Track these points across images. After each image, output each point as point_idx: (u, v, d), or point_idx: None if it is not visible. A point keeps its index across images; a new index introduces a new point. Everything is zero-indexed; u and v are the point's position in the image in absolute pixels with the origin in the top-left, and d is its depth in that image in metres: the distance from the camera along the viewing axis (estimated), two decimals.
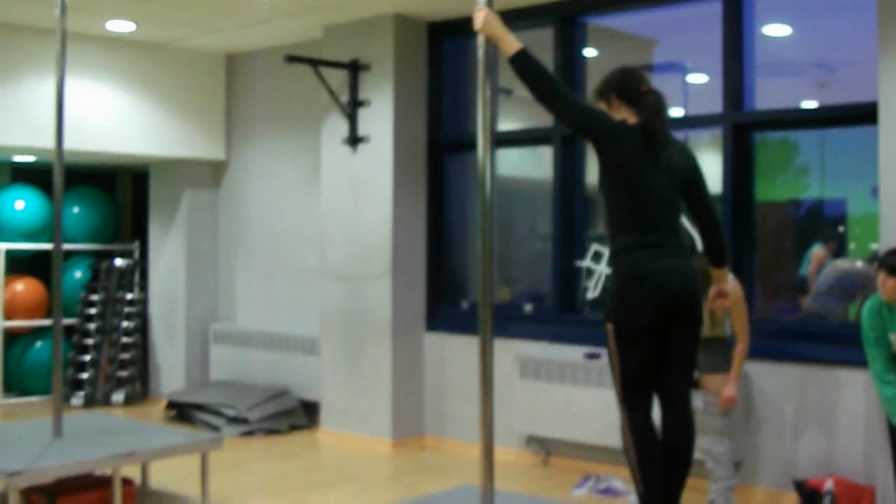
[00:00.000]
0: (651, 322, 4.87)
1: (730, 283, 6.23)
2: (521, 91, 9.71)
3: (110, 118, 10.29)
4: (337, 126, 9.51)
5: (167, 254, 11.54)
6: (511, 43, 4.69)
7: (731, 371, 6.52)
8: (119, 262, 11.55)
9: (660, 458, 5.04)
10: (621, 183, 4.97)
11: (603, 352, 7.95)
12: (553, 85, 4.85)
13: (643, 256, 4.90)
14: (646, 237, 4.91)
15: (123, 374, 11.36)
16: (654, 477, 5.01)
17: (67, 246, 11.24)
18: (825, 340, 7.26)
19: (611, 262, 5.03)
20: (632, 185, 4.93)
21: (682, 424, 5.00)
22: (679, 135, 8.88)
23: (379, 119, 9.20)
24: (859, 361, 6.48)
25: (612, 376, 5.04)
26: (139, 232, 12.38)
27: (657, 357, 4.94)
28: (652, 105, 5.10)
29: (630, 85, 5.14)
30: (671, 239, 4.97)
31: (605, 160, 5.01)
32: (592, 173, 8.86)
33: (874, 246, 7.51)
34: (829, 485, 6.65)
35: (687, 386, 5.02)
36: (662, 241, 4.92)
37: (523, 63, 4.76)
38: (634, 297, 4.89)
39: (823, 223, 8.25)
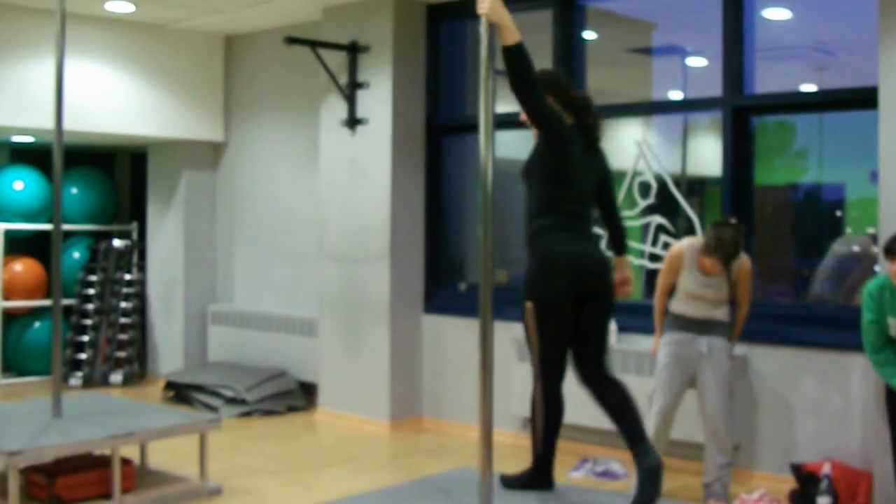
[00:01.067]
0: (566, 298, 5.05)
1: (741, 258, 6.58)
2: None
3: (109, 99, 10.29)
4: (336, 108, 9.50)
5: (165, 235, 11.54)
6: (514, 32, 4.75)
7: (732, 336, 6.82)
8: (117, 242, 11.55)
9: (561, 425, 5.40)
10: (555, 175, 5.15)
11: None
12: (535, 79, 4.96)
13: (559, 238, 5.11)
14: (562, 221, 5.13)
15: (122, 354, 11.37)
16: (554, 440, 5.43)
17: (66, 227, 11.16)
18: (823, 324, 7.28)
19: (528, 245, 5.21)
20: (562, 178, 5.14)
21: (611, 383, 5.18)
22: (678, 118, 8.91)
23: (378, 101, 9.20)
24: (858, 346, 6.50)
25: (529, 352, 5.19)
26: (137, 213, 12.38)
27: (571, 332, 5.13)
28: (589, 107, 5.35)
29: (562, 88, 5.31)
30: (585, 226, 5.24)
31: (552, 155, 5.16)
32: None
33: (870, 230, 7.52)
34: (826, 469, 6.66)
35: (602, 358, 5.20)
36: (577, 227, 5.16)
37: (519, 54, 4.83)
38: (551, 276, 5.09)
39: (821, 207, 8.26)
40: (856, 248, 7.92)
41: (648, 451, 4.92)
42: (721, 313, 6.70)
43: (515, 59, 4.81)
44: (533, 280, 5.12)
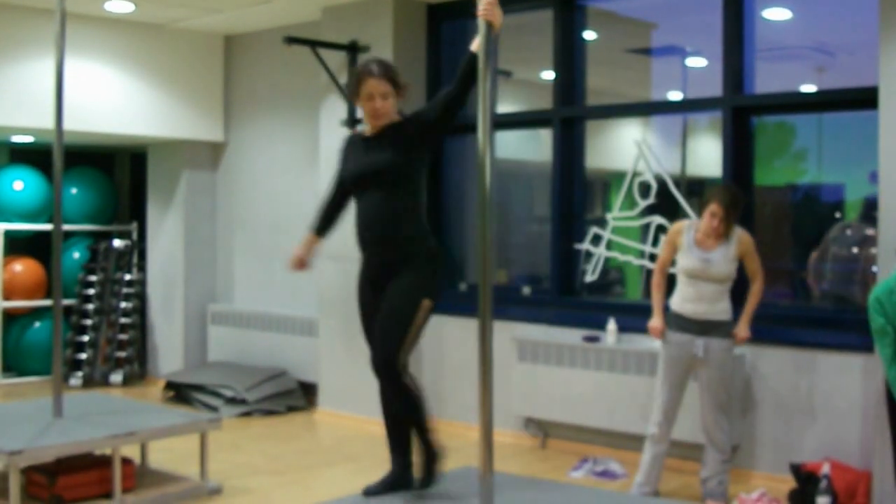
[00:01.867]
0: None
1: (738, 233, 6.64)
2: (521, 73, 9.75)
3: (109, 99, 10.29)
4: (335, 108, 9.50)
5: (165, 235, 11.54)
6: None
7: (746, 311, 6.80)
8: (117, 242, 11.56)
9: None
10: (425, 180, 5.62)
11: (601, 335, 8.03)
12: None
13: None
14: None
15: (122, 354, 11.38)
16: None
17: (66, 227, 11.13)
18: (823, 325, 7.29)
19: (426, 242, 5.41)
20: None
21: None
22: (678, 118, 8.90)
23: None
24: (857, 346, 6.49)
25: (401, 346, 5.29)
26: (137, 213, 12.38)
27: None
28: None
29: None
30: None
31: (431, 156, 5.66)
32: (592, 156, 8.87)
33: (870, 231, 7.52)
34: (825, 469, 6.64)
35: None
36: None
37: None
38: (443, 275, 5.55)
39: (821, 208, 8.25)
40: (849, 232, 7.91)
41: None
42: (722, 310, 6.67)
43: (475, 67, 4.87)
44: (432, 278, 5.35)
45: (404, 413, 5.51)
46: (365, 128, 5.58)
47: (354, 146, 5.60)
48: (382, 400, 5.62)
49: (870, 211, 7.53)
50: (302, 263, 6.01)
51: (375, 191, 5.38)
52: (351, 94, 5.60)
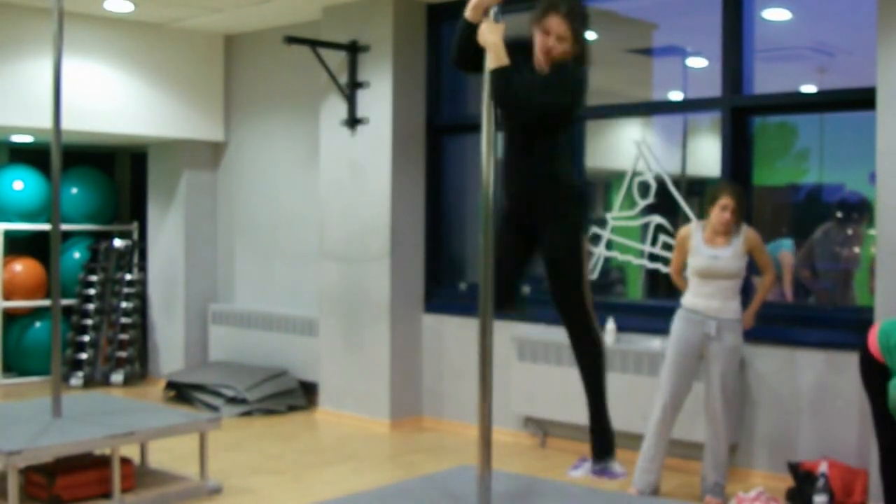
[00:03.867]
0: None
1: (744, 229, 6.71)
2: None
3: (108, 99, 10.28)
4: (336, 108, 9.50)
5: (166, 235, 11.53)
6: (499, 56, 4.63)
7: (755, 300, 6.94)
8: (118, 242, 11.55)
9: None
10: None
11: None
12: (520, 94, 4.70)
13: None
14: None
15: (122, 354, 11.36)
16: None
17: (66, 227, 11.16)
18: (820, 324, 7.29)
19: (563, 179, 4.98)
20: None
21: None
22: (678, 118, 8.90)
23: (378, 101, 9.19)
24: (854, 345, 6.50)
25: (584, 286, 5.04)
26: (138, 213, 12.36)
27: None
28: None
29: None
30: None
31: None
32: (592, 156, 8.86)
33: (871, 231, 7.52)
34: (823, 467, 6.68)
35: None
36: None
37: (498, 78, 4.64)
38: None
39: (822, 208, 8.26)
40: (832, 233, 7.93)
41: None
42: (733, 308, 6.70)
43: (493, 84, 4.63)
44: (584, 207, 5.17)
45: (598, 360, 5.10)
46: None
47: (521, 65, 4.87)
48: (580, 356, 5.15)
49: (850, 212, 7.57)
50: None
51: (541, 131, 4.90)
52: (533, 21, 4.92)
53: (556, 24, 4.78)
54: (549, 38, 4.80)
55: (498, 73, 4.60)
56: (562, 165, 4.94)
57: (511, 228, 5.08)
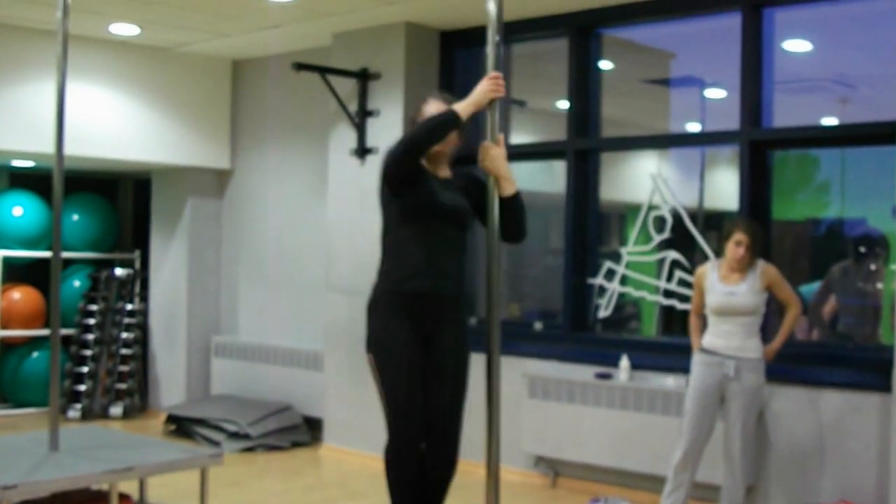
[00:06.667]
0: None
1: (761, 265, 6.61)
2: (535, 103, 9.63)
3: (112, 123, 10.17)
4: (345, 136, 9.37)
5: (169, 264, 11.41)
6: (513, 182, 5.01)
7: (780, 333, 6.79)
8: (119, 271, 11.42)
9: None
10: None
11: (614, 371, 7.86)
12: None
13: None
14: None
15: (122, 386, 11.21)
16: None
17: (66, 254, 11.08)
18: (840, 363, 7.16)
19: (459, 295, 5.50)
20: None
21: None
22: (695, 150, 8.77)
23: (388, 130, 9.04)
24: (874, 385, 6.36)
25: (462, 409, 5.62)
26: (140, 241, 12.25)
27: None
28: None
29: None
30: None
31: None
32: (606, 189, 8.73)
33: (894, 266, 7.41)
34: None
35: None
36: None
37: (521, 201, 5.17)
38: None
39: (843, 243, 8.12)
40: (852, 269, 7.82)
41: None
42: (753, 347, 6.56)
43: (521, 204, 5.10)
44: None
45: (451, 478, 5.49)
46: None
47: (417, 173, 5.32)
48: (437, 468, 5.51)
49: (872, 247, 7.49)
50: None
51: (453, 229, 5.36)
52: (412, 120, 5.50)
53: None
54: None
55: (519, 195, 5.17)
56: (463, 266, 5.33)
57: (407, 330, 5.24)
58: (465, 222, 5.38)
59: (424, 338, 5.27)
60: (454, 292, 5.30)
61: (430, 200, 5.23)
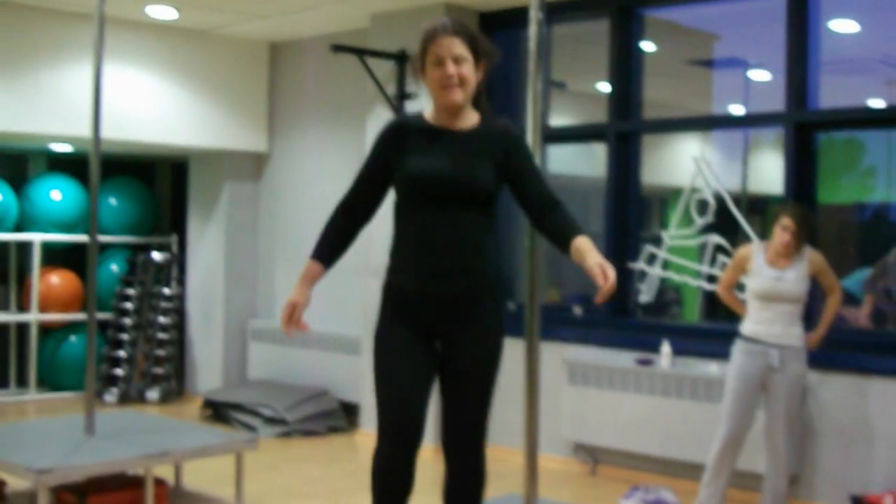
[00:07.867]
0: None
1: (808, 252, 6.44)
2: (575, 85, 9.52)
3: (149, 107, 10.13)
4: (383, 118, 9.28)
5: (206, 248, 11.39)
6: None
7: (823, 320, 6.66)
8: (156, 255, 11.39)
9: None
10: None
11: (655, 357, 7.76)
12: None
13: None
14: None
15: (159, 371, 11.20)
16: None
17: (103, 238, 11.14)
18: (886, 350, 7.05)
19: (485, 278, 4.38)
20: None
21: None
22: (739, 133, 8.67)
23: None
24: None
25: (489, 405, 4.56)
26: (177, 225, 12.24)
27: None
28: None
29: None
30: None
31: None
32: (648, 172, 8.63)
33: None
34: (888, 501, 6.43)
35: None
36: None
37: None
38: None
39: (890, 227, 8.01)
40: None
41: None
42: (796, 334, 6.41)
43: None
44: (503, 320, 4.51)
45: (477, 495, 4.56)
46: (427, 111, 4.38)
47: (414, 136, 4.35)
48: (454, 483, 4.67)
49: None
50: (297, 319, 4.57)
51: (455, 207, 4.26)
52: (414, 68, 4.35)
53: (447, 45, 4.11)
54: (446, 67, 4.12)
55: None
56: (491, 254, 4.34)
57: (404, 331, 4.38)
58: (478, 195, 4.24)
59: (435, 338, 4.36)
60: (463, 288, 4.27)
61: (419, 169, 4.26)
